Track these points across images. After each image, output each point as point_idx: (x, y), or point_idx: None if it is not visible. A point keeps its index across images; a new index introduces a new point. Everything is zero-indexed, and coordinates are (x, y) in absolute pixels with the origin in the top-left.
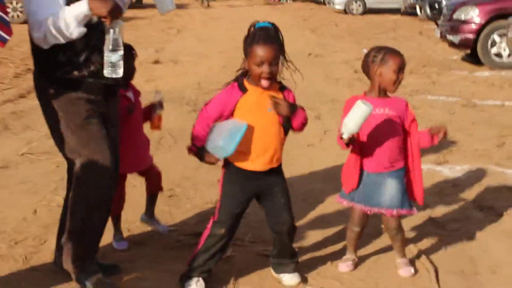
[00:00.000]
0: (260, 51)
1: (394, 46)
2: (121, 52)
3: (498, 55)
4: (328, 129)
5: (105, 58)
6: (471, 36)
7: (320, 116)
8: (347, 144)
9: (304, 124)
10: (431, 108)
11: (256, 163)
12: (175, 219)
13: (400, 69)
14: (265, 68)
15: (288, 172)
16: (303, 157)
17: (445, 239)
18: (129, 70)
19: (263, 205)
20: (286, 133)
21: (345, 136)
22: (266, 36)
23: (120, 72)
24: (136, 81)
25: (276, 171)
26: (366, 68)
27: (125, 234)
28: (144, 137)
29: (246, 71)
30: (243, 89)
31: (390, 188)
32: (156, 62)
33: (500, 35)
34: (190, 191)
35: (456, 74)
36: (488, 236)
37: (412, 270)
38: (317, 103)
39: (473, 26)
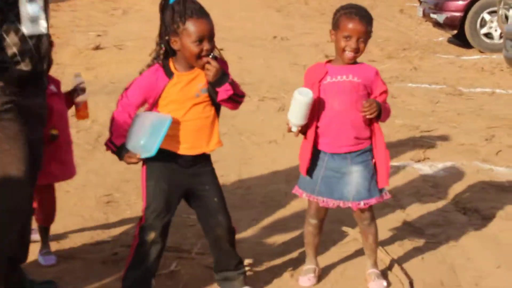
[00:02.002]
0: (199, 26)
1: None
2: (40, 3)
3: (489, 36)
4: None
5: (22, 11)
6: (457, 14)
7: (285, 107)
8: (302, 133)
9: (234, 100)
10: (411, 97)
11: (185, 148)
12: (112, 228)
13: (350, 36)
14: (206, 45)
15: (246, 172)
16: (263, 155)
17: (422, 247)
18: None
19: (194, 206)
20: (218, 112)
21: (294, 130)
22: (199, 7)
23: (42, 25)
24: (74, 70)
25: (205, 161)
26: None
27: (54, 247)
28: (69, 138)
29: (167, 52)
30: (169, 74)
31: (356, 176)
32: (97, 48)
33: (491, 13)
34: (131, 196)
35: (441, 58)
36: (472, 242)
37: (384, 283)
38: (281, 93)
39: (460, 3)
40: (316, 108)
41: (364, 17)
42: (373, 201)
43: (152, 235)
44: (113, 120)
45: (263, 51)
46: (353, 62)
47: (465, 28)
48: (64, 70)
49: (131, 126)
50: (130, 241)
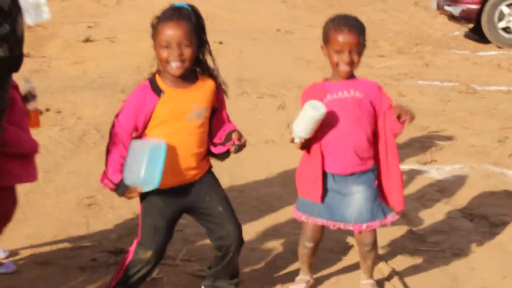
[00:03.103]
0: (165, 30)
1: (383, 20)
2: None
3: (507, 30)
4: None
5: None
6: (474, 6)
7: (285, 105)
8: (302, 148)
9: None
10: (420, 95)
11: (177, 179)
12: (92, 232)
13: (341, 49)
14: (173, 51)
15: (239, 174)
16: (258, 155)
17: (424, 255)
18: None
19: (200, 221)
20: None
21: (297, 141)
22: (173, 13)
23: (46, 13)
24: (60, 64)
25: (204, 177)
26: None
27: (28, 252)
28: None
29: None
30: (158, 91)
31: (359, 197)
32: (88, 40)
33: (509, 6)
34: (115, 198)
35: (456, 54)
36: (477, 251)
37: None
38: (282, 90)
39: None
40: (320, 129)
41: (354, 27)
42: (376, 224)
43: (148, 254)
44: (107, 153)
45: (265, 45)
46: (351, 76)
47: (482, 22)
48: (51, 64)
49: (127, 159)
50: (111, 246)
